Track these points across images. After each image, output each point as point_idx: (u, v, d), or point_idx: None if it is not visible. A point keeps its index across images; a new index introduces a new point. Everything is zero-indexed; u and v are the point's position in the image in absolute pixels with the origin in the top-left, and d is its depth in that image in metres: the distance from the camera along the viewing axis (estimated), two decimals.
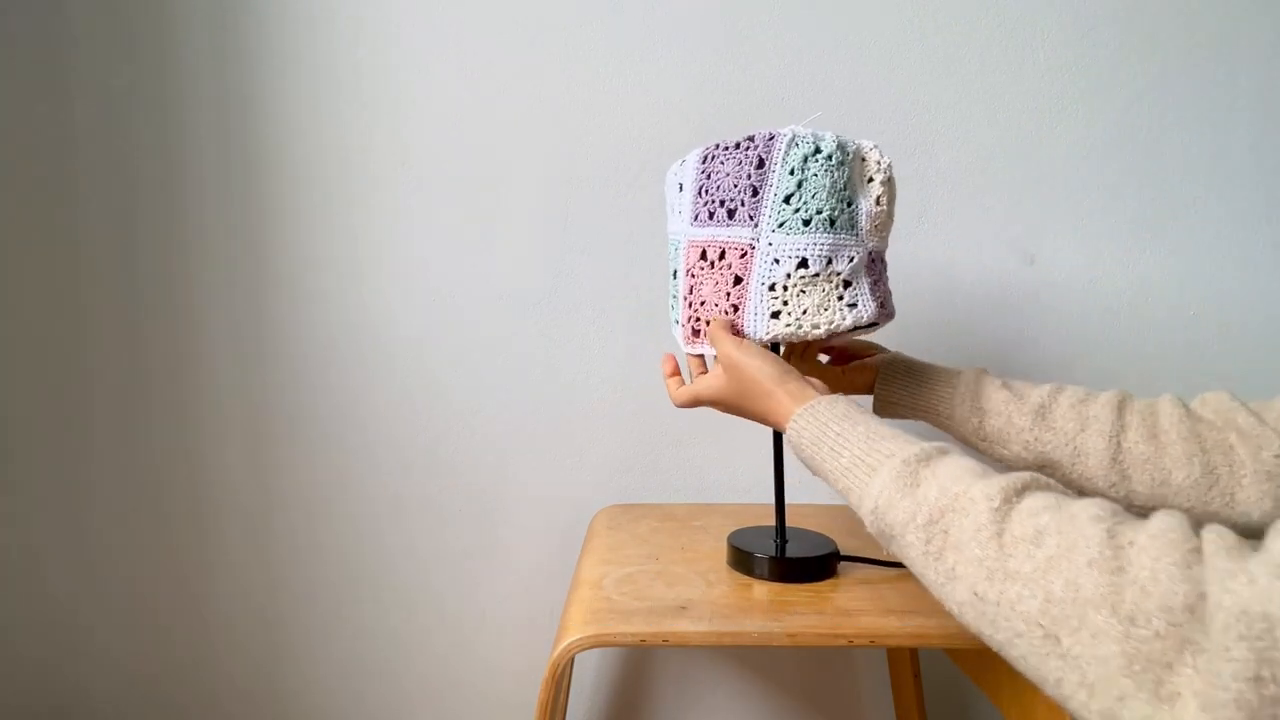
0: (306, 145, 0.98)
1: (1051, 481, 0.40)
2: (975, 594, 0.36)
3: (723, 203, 0.64)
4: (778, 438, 0.71)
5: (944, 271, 0.98)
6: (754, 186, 0.61)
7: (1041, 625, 0.33)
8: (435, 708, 1.04)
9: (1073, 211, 0.97)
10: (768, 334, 0.61)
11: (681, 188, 0.70)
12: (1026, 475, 0.40)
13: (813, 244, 0.59)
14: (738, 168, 0.62)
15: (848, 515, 0.91)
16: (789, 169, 0.60)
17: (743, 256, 0.62)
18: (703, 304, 0.65)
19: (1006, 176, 0.97)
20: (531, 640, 1.02)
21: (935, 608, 0.61)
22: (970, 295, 0.98)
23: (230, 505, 1.01)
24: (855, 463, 0.46)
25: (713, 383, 0.62)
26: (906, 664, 0.94)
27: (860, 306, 0.60)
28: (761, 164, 0.61)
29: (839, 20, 0.96)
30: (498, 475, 1.01)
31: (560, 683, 0.60)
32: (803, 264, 0.59)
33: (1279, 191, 0.97)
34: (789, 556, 0.69)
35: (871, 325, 0.62)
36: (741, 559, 0.70)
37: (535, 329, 0.99)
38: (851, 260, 0.60)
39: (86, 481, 1.01)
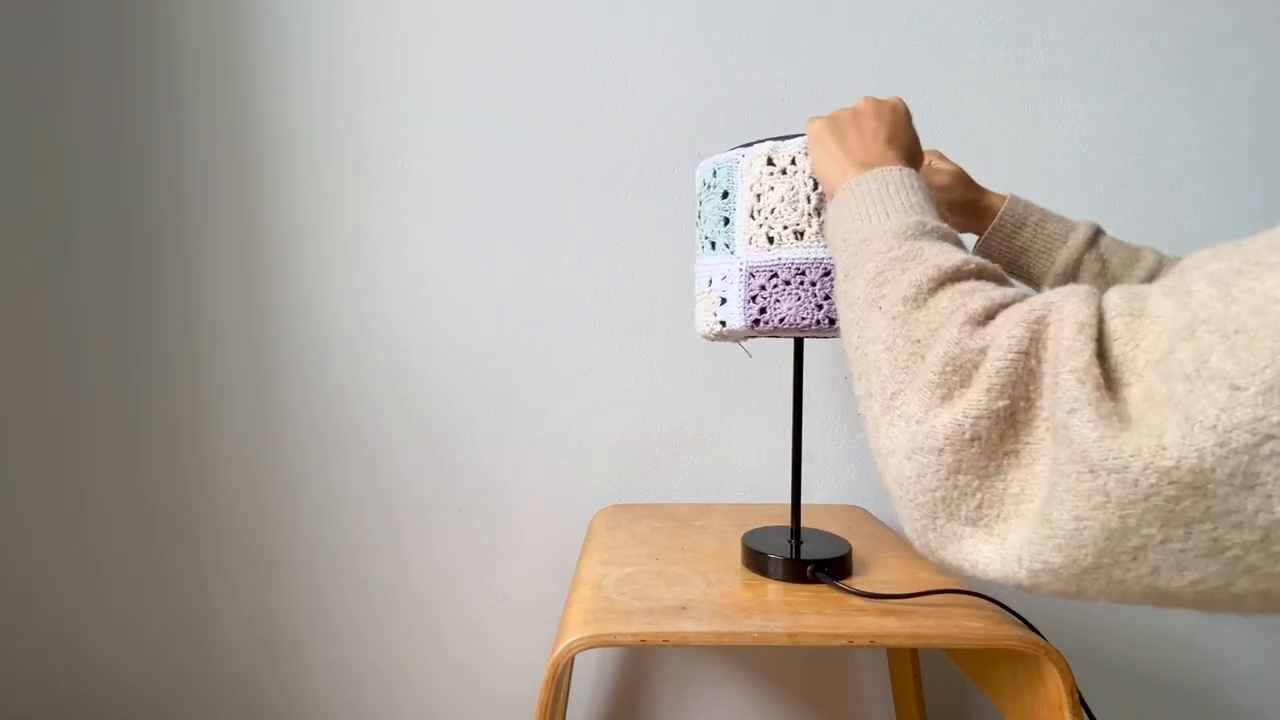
0: (306, 146, 0.98)
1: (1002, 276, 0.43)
2: (881, 309, 0.41)
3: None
4: (796, 439, 0.70)
5: None
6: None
7: (918, 342, 0.38)
8: (435, 708, 1.04)
9: (1073, 211, 0.97)
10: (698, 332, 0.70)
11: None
12: (999, 271, 0.42)
13: (705, 265, 0.68)
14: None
15: (853, 516, 0.91)
16: (699, 199, 0.69)
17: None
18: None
19: (1006, 176, 0.97)
20: (531, 640, 1.02)
21: (935, 608, 0.61)
22: None
23: (230, 508, 1.01)
24: (886, 209, 0.47)
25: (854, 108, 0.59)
26: (906, 664, 0.94)
27: (729, 324, 0.65)
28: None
29: (839, 21, 0.96)
30: (498, 476, 1.01)
31: (560, 683, 0.60)
32: (709, 282, 0.67)
33: (1279, 191, 0.97)
34: (804, 558, 0.68)
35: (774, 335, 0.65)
36: (756, 560, 0.70)
37: (535, 329, 0.99)
38: (724, 278, 0.65)
39: (84, 489, 1.01)
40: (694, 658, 1.03)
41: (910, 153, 0.54)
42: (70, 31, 0.97)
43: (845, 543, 0.72)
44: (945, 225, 0.46)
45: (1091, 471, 0.28)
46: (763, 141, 0.64)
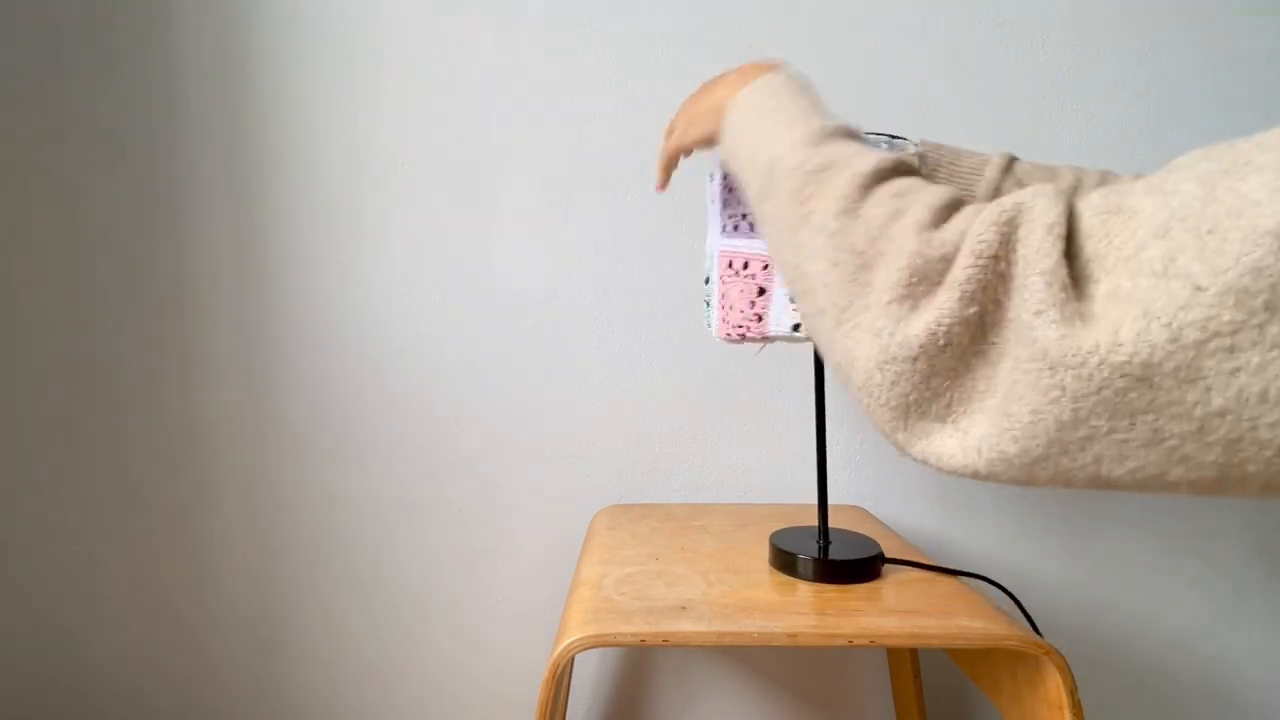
0: (307, 148, 0.98)
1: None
2: (819, 226, 0.40)
3: (745, 215, 0.66)
4: (820, 439, 0.69)
5: None
6: None
7: (861, 253, 0.37)
8: (435, 709, 1.04)
9: None
10: (789, 339, 0.65)
11: (712, 201, 0.71)
12: (912, 163, 0.42)
13: None
14: None
15: (854, 516, 0.91)
16: None
17: (765, 268, 0.64)
18: (732, 308, 0.68)
19: None
20: (531, 640, 1.02)
21: (935, 608, 0.61)
22: None
23: (229, 509, 1.01)
24: (783, 120, 0.46)
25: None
26: (906, 664, 0.94)
27: None
28: None
29: (839, 21, 0.96)
30: (497, 476, 1.01)
31: (560, 683, 0.60)
32: None
33: None
34: (833, 558, 0.68)
35: None
36: (785, 560, 0.70)
37: (535, 329, 0.99)
38: None
39: (81, 490, 1.01)
40: (694, 658, 1.03)
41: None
42: (70, 32, 0.97)
43: (874, 543, 0.72)
44: (844, 122, 0.46)
45: (1051, 369, 0.30)
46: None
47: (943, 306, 0.34)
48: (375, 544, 1.02)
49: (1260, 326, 0.25)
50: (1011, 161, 0.65)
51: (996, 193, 0.64)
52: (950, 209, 0.37)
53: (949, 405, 0.35)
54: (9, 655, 1.04)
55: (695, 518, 0.90)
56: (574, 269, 0.99)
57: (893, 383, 0.36)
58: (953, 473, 0.35)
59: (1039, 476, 0.32)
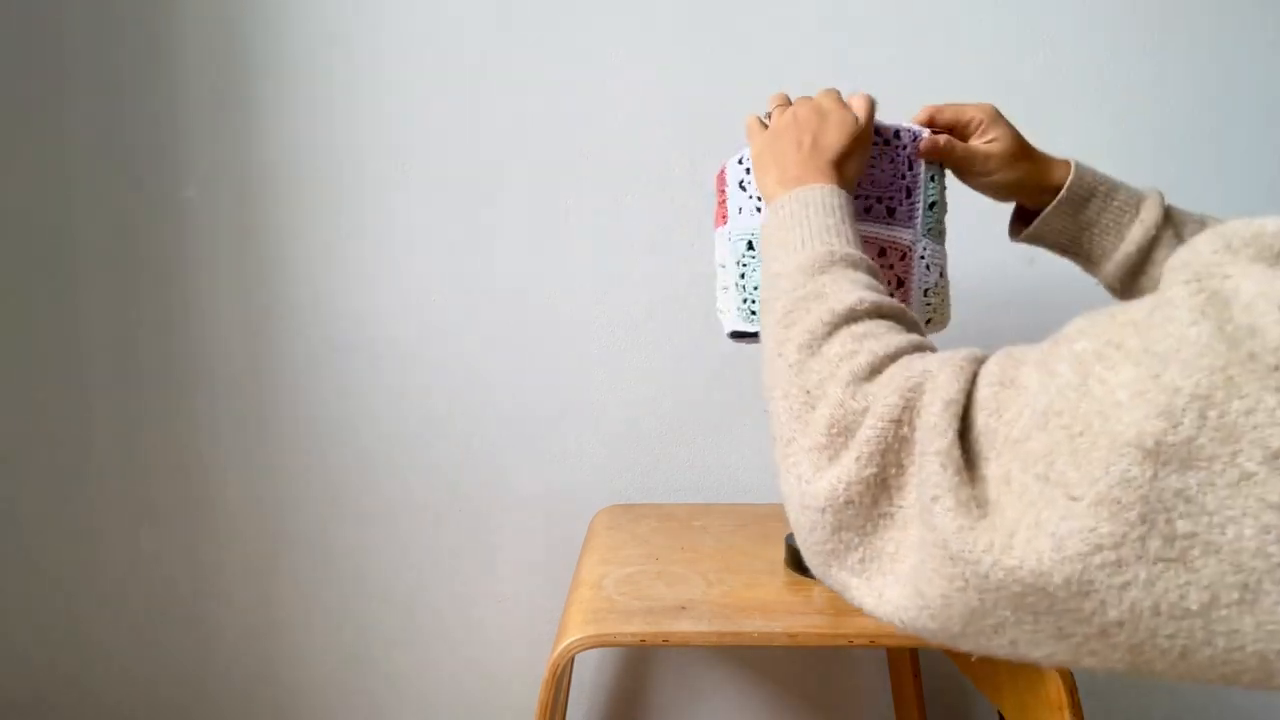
0: (304, 147, 0.98)
1: (909, 321, 0.43)
2: (781, 355, 0.41)
3: (880, 199, 0.61)
4: None
5: None
6: (908, 187, 0.61)
7: (809, 392, 0.38)
8: (435, 708, 1.05)
9: None
10: None
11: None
12: (897, 307, 0.43)
13: (941, 253, 0.62)
14: (892, 165, 0.61)
15: None
16: (930, 175, 0.61)
17: (903, 258, 0.61)
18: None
19: None
20: (532, 640, 1.02)
21: None
22: (970, 295, 0.98)
23: (228, 506, 1.01)
24: (797, 240, 0.48)
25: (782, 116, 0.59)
26: (906, 664, 0.94)
27: (949, 319, 0.64)
28: (912, 165, 0.61)
29: (841, 21, 0.96)
30: (498, 476, 1.01)
31: (560, 683, 0.60)
32: (941, 273, 0.62)
33: (1279, 192, 0.97)
34: None
35: None
36: (801, 560, 0.69)
37: (535, 328, 0.99)
38: (947, 272, 0.64)
39: (85, 481, 1.01)
40: (694, 658, 1.03)
41: (838, 155, 0.54)
42: (70, 33, 0.96)
43: None
44: (856, 252, 0.46)
45: (952, 559, 0.30)
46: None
47: (846, 465, 0.34)
48: (375, 543, 1.02)
49: (1141, 540, 0.25)
50: (1167, 206, 0.62)
51: (1155, 241, 0.61)
52: (891, 360, 0.37)
53: (862, 561, 0.35)
54: (16, 649, 1.04)
55: (695, 518, 0.90)
56: (574, 269, 0.99)
57: (810, 529, 0.36)
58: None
59: (963, 647, 0.33)
